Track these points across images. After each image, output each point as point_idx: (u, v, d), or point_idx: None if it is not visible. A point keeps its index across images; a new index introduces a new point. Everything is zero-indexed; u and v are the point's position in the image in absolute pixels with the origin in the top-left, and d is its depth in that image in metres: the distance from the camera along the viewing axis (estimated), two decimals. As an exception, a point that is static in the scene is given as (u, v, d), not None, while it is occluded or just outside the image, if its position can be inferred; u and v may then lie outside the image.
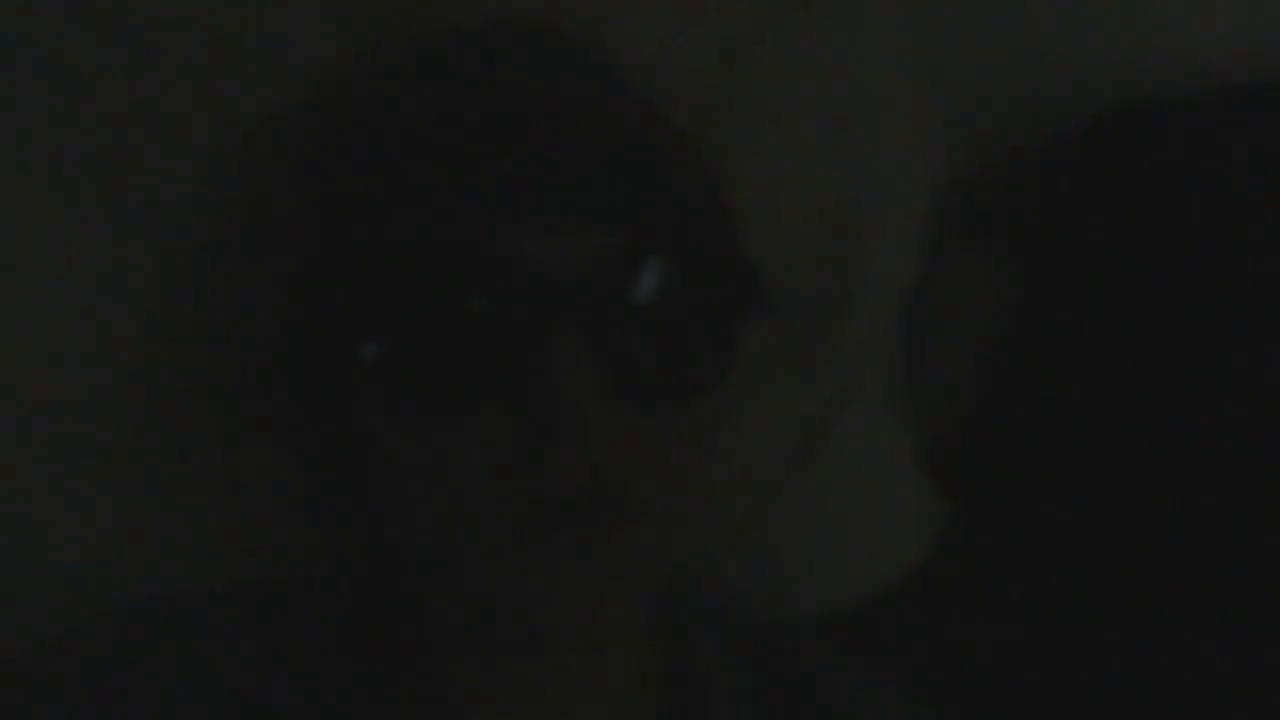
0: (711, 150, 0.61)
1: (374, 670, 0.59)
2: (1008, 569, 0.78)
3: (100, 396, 0.63)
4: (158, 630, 0.60)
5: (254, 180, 0.63)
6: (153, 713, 0.57)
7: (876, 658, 0.68)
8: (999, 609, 0.78)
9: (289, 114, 0.62)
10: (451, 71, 0.58)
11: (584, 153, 0.54)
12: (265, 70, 0.62)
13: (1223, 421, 0.75)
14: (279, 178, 0.63)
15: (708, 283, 0.56)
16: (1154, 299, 0.77)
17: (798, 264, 0.70)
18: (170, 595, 0.62)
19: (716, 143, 0.65)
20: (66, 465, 0.62)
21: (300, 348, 0.60)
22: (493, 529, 0.53)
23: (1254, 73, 0.81)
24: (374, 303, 0.54)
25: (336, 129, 0.61)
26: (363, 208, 0.56)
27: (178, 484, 0.64)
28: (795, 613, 0.72)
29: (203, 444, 0.64)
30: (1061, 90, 0.82)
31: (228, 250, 0.63)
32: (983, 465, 0.80)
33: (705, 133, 0.63)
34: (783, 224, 0.70)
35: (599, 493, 0.52)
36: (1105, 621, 0.76)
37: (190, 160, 0.62)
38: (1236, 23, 0.83)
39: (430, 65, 0.59)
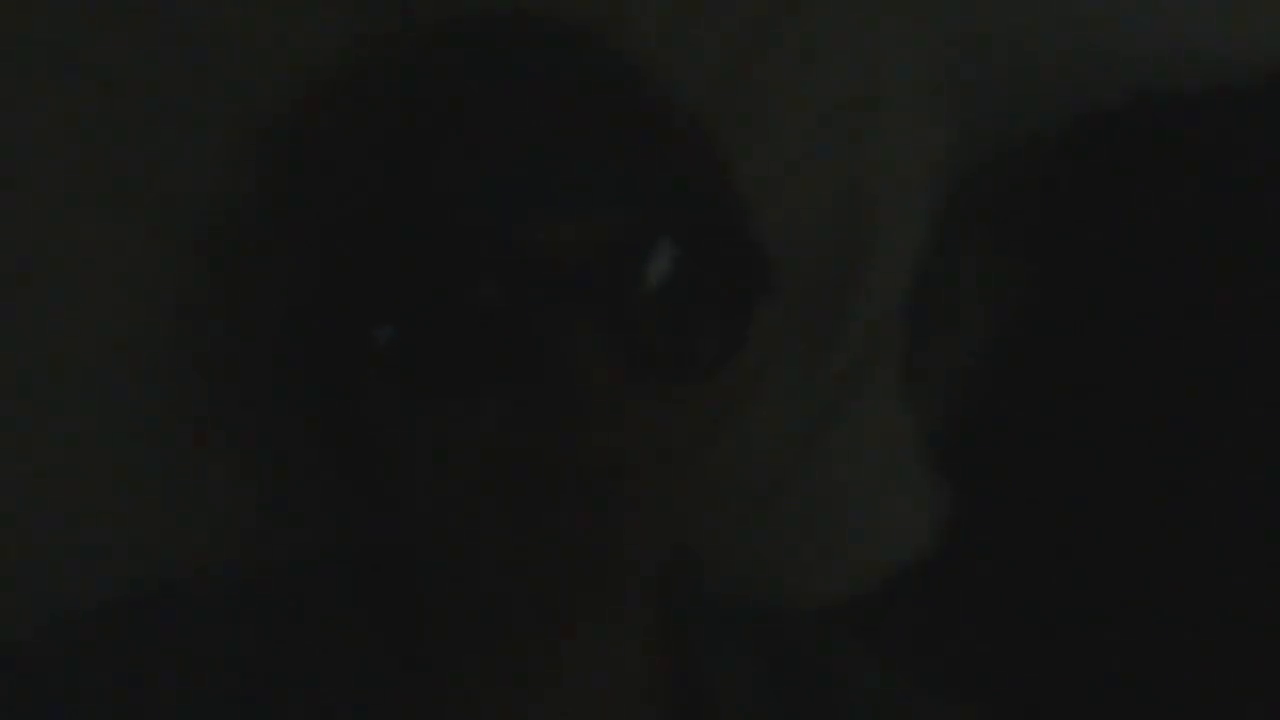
0: (721, 136, 0.61)
1: (381, 656, 0.59)
2: (1012, 559, 0.79)
3: (110, 386, 0.62)
4: (161, 620, 0.60)
5: (267, 171, 0.63)
6: (156, 703, 0.57)
7: (880, 645, 0.68)
8: (1003, 599, 0.78)
9: (301, 105, 0.63)
10: (463, 59, 0.58)
11: (595, 138, 0.54)
12: (277, 62, 0.62)
13: (1224, 416, 0.75)
14: (292, 168, 0.63)
15: (718, 266, 0.56)
16: (1156, 294, 0.77)
17: (806, 250, 0.71)
18: (175, 585, 0.61)
19: (726, 129, 0.65)
20: (76, 455, 0.62)
21: (314, 335, 0.59)
22: (504, 512, 0.53)
23: (1257, 70, 0.81)
24: (387, 289, 0.54)
25: (348, 118, 0.61)
26: (374, 195, 0.56)
27: (187, 473, 0.63)
28: (799, 599, 0.72)
29: (213, 433, 0.64)
30: (1066, 86, 0.83)
31: (241, 239, 0.63)
32: (986, 456, 0.80)
33: (715, 119, 0.63)
34: (792, 210, 0.70)
35: (608, 472, 0.52)
36: (1107, 614, 0.76)
37: (203, 152, 0.62)
38: (1239, 19, 0.83)
39: (443, 53, 0.59)
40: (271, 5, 0.63)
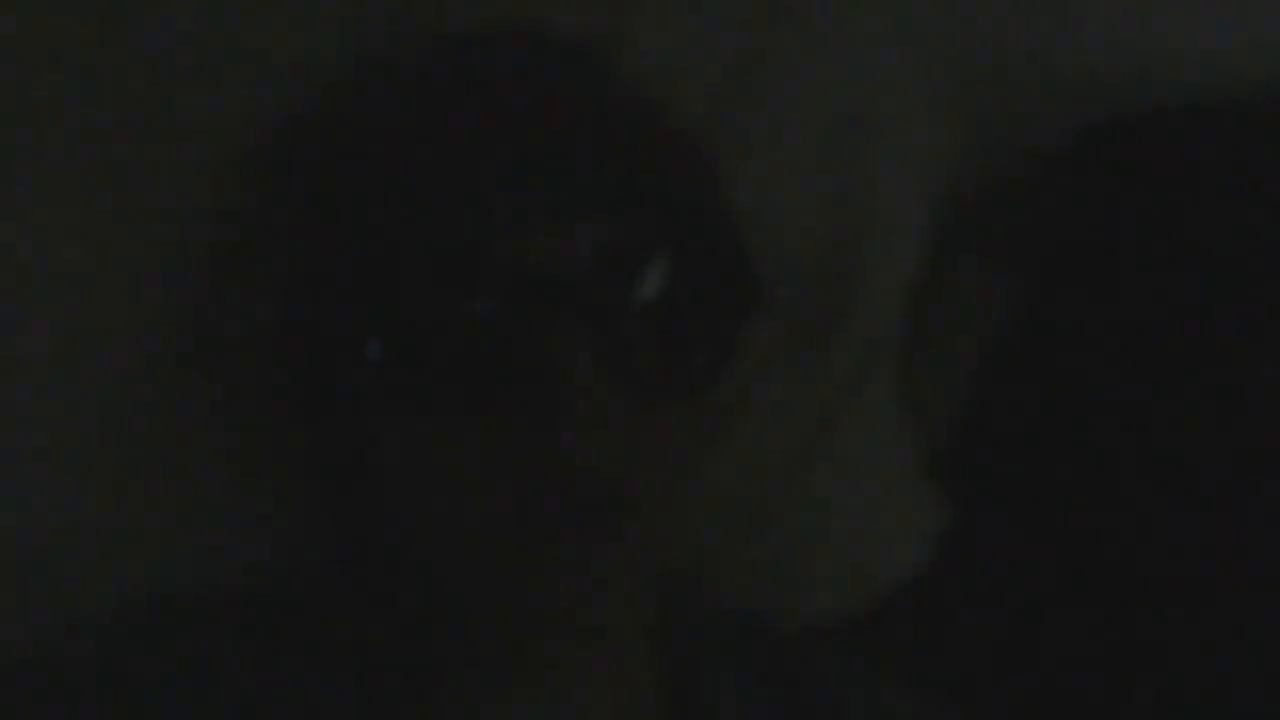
0: (716, 151, 0.61)
1: (376, 671, 0.59)
2: (1010, 572, 0.78)
3: (105, 396, 0.62)
4: (159, 630, 0.60)
5: (259, 181, 0.63)
6: (155, 713, 0.57)
7: (878, 661, 0.68)
8: (1001, 613, 0.78)
9: (293, 115, 0.63)
10: (455, 73, 0.58)
11: (589, 150, 0.54)
12: (270, 71, 0.62)
13: (1222, 426, 0.75)
14: (283, 179, 0.63)
15: (710, 281, 0.56)
16: (1156, 307, 0.77)
17: (800, 265, 0.71)
18: (172, 595, 0.62)
19: (721, 144, 0.65)
20: (71, 464, 0.62)
21: (305, 348, 0.60)
22: (496, 528, 0.53)
23: (1259, 84, 0.81)
24: (377, 303, 0.54)
25: (340, 130, 0.61)
26: (365, 208, 0.56)
27: (182, 484, 0.63)
28: (798, 616, 0.72)
29: (208, 444, 0.64)
30: (1065, 100, 0.82)
31: (233, 250, 0.63)
32: (985, 470, 0.80)
33: (710, 134, 0.63)
34: (786, 226, 0.70)
35: (600, 489, 0.52)
36: (1107, 625, 0.76)
37: (195, 161, 0.62)
38: (1241, 33, 0.83)
39: (435, 67, 0.59)
40: (270, 14, 0.63)
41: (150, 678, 0.58)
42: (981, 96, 0.79)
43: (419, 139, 0.55)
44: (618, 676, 0.60)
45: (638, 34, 0.66)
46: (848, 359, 0.72)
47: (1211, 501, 0.75)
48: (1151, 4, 0.81)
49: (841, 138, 0.71)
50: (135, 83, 0.62)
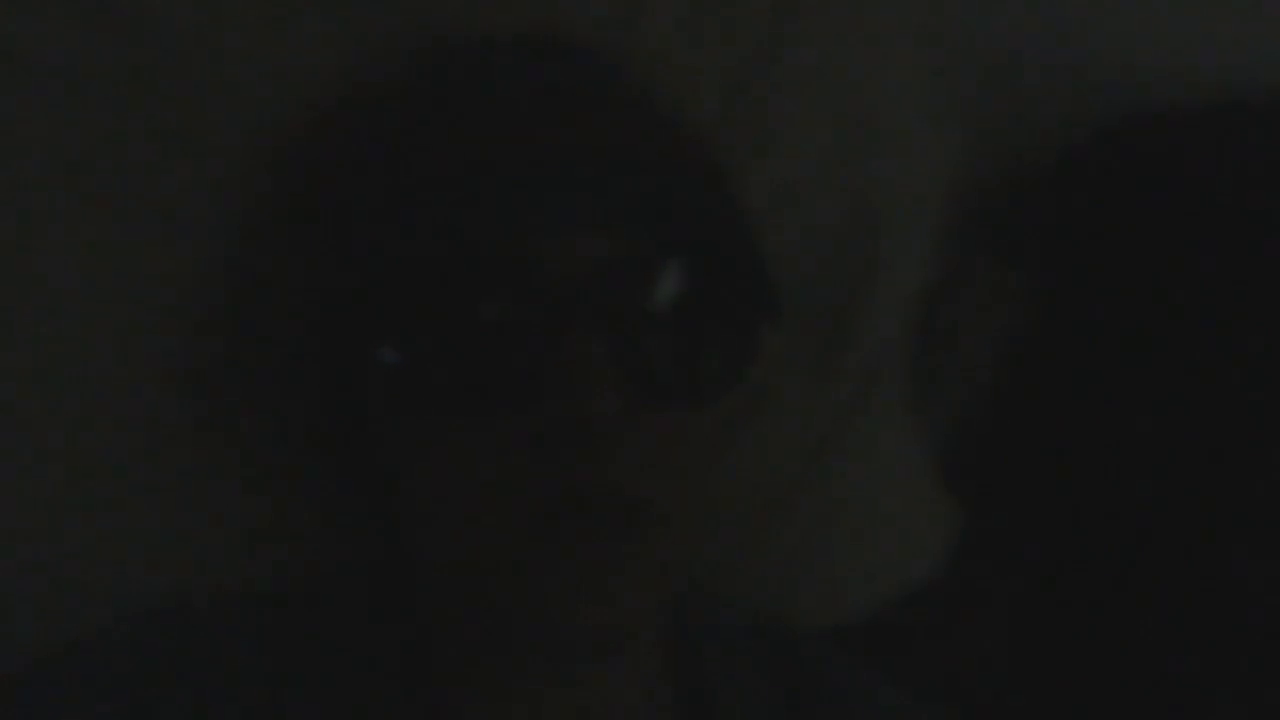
0: (728, 156, 0.61)
1: (390, 674, 0.59)
2: (1021, 576, 0.78)
3: (122, 400, 0.62)
4: (176, 634, 0.60)
5: (275, 187, 0.63)
6: (170, 717, 0.57)
7: (890, 664, 0.68)
8: (1013, 615, 0.78)
9: (310, 122, 0.63)
10: (469, 80, 0.58)
11: (601, 157, 0.54)
12: (287, 78, 0.62)
13: (1234, 430, 0.75)
14: (299, 185, 0.63)
15: (725, 287, 0.56)
16: (1166, 309, 0.77)
17: (813, 270, 0.71)
18: (188, 599, 0.62)
19: (733, 149, 0.65)
20: (88, 469, 0.62)
21: (321, 352, 0.60)
22: (509, 533, 0.53)
23: (1258, 87, 0.81)
24: (393, 307, 0.54)
25: (357, 136, 0.61)
26: (381, 214, 0.56)
27: (198, 488, 0.64)
28: (809, 621, 0.72)
29: (223, 448, 0.64)
30: (1076, 103, 0.83)
31: (249, 255, 0.63)
32: (996, 474, 0.80)
33: (722, 139, 0.63)
34: (798, 230, 0.70)
35: (615, 496, 0.52)
36: (1117, 630, 0.76)
37: (212, 167, 0.62)
38: (1241, 38, 0.83)
39: (449, 74, 0.59)
40: (286, 22, 0.63)
41: (165, 682, 0.58)
42: (992, 96, 0.79)
43: (433, 145, 0.55)
44: (631, 676, 0.60)
45: (649, 38, 0.66)
46: (859, 362, 0.72)
47: (1222, 504, 0.75)
48: (1160, 5, 0.82)
49: (851, 140, 0.71)
50: (149, 92, 0.62)
